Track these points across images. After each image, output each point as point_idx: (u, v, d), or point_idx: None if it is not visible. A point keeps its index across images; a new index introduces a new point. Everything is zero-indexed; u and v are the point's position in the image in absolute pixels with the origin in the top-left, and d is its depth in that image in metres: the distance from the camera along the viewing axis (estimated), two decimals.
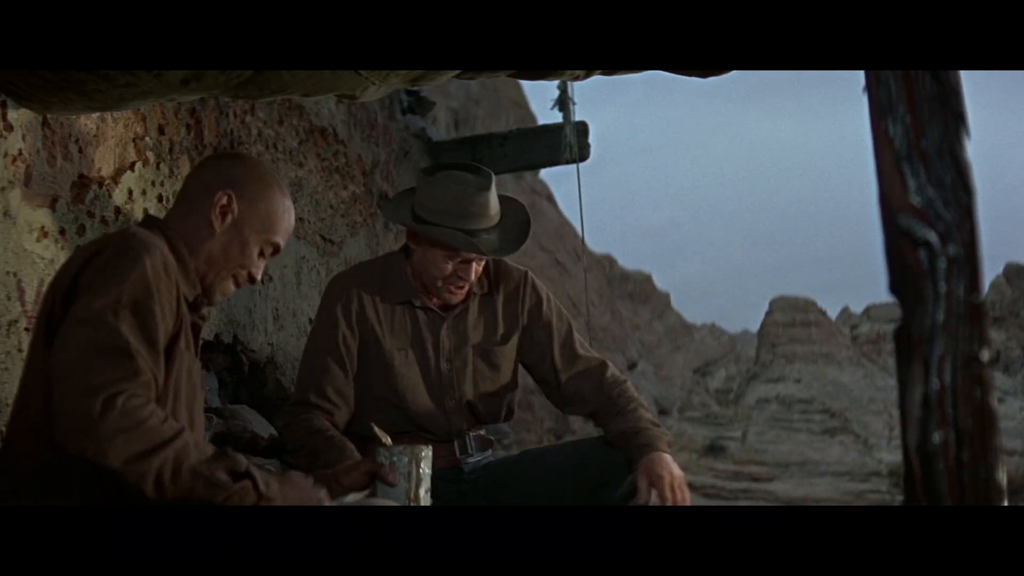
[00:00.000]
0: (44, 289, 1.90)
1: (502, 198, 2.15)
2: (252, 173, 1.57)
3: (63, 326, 1.30)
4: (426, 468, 1.60)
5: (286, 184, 1.81)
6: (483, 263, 2.11)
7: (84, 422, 1.21)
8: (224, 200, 1.50)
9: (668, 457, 1.97)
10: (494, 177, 2.08)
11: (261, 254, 1.57)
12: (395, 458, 1.59)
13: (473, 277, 2.07)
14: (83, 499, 1.28)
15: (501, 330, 2.19)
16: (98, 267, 1.33)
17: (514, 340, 2.21)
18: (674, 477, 1.93)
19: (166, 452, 1.24)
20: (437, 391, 2.10)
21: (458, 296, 2.11)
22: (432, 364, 2.11)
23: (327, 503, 1.44)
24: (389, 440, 1.64)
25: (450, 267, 2.05)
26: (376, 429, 1.67)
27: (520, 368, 2.26)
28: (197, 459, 1.26)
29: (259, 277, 1.59)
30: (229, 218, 1.51)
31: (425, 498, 1.60)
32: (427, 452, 1.61)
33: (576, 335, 2.25)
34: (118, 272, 1.32)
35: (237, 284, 1.56)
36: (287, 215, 1.59)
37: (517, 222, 2.12)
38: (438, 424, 2.09)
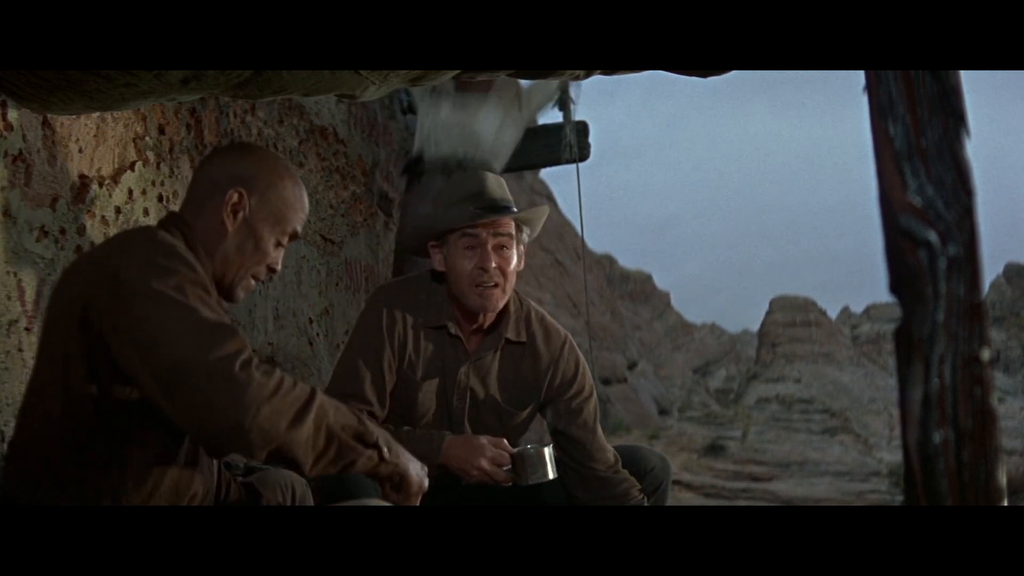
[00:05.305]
0: (47, 289, 1.90)
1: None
2: (261, 165, 1.53)
3: (134, 328, 1.23)
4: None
5: (296, 170, 1.80)
6: (511, 260, 2.04)
7: (231, 396, 1.16)
8: (235, 198, 1.47)
9: None
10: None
11: (278, 244, 1.53)
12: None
13: (494, 264, 2.00)
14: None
15: (519, 394, 2.12)
16: (145, 261, 1.27)
17: (530, 409, 2.14)
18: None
19: (309, 416, 1.23)
20: (448, 423, 2.08)
21: (494, 299, 2.02)
22: (449, 398, 2.09)
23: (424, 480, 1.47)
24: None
25: (473, 260, 2.00)
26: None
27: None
28: (335, 420, 1.28)
29: (279, 267, 1.55)
30: (241, 215, 1.47)
31: None
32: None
33: (597, 419, 2.18)
34: (173, 260, 1.28)
35: (257, 279, 1.53)
36: (300, 202, 1.55)
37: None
38: None
